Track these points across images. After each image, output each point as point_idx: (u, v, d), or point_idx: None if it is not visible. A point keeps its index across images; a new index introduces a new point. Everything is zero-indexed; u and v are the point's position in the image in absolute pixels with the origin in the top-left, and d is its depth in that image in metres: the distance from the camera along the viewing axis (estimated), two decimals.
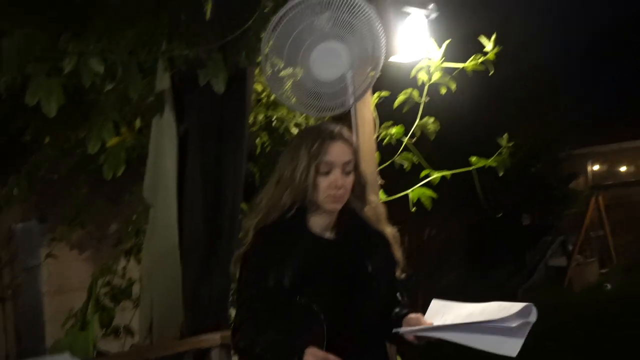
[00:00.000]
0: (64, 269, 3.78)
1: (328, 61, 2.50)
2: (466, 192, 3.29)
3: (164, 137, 2.88)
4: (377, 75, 2.72)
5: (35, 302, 4.62)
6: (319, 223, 1.88)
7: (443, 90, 3.36)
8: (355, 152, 1.90)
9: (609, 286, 9.91)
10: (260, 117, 3.45)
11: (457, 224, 10.45)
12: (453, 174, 3.31)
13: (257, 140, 3.65)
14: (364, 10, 2.49)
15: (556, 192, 11.82)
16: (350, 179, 1.86)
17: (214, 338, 2.81)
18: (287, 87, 2.53)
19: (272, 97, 3.43)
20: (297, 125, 3.50)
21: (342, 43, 2.54)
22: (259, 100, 3.49)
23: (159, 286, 2.89)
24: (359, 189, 1.92)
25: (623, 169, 17.92)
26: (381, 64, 2.67)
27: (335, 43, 2.52)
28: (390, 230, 1.98)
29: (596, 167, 17.86)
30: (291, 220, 1.83)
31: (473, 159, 3.27)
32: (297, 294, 1.72)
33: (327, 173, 1.83)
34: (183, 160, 2.94)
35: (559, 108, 11.97)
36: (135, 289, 3.15)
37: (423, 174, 3.30)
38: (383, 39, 2.58)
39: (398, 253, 1.94)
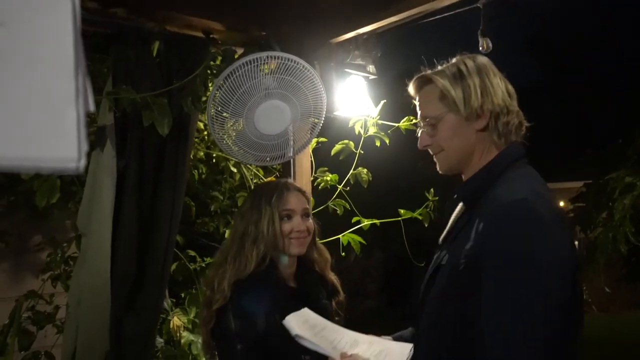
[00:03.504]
0: None
1: (272, 117, 2.63)
2: (394, 235, 3.50)
3: (103, 171, 2.92)
4: (317, 131, 2.89)
5: None
6: (284, 273, 2.02)
7: (377, 143, 3.57)
8: (308, 200, 2.09)
9: None
10: (201, 154, 3.54)
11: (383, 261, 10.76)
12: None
13: (195, 172, 3.73)
14: (307, 73, 2.65)
15: None
16: (310, 223, 2.04)
17: None
18: (230, 137, 2.65)
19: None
20: (235, 164, 3.61)
21: (286, 102, 2.68)
22: (200, 138, 3.59)
23: (86, 315, 2.92)
24: (312, 234, 2.09)
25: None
26: (322, 120, 2.84)
27: (279, 102, 2.66)
28: (334, 277, 2.16)
29: None
30: (266, 272, 1.95)
31: (402, 211, 3.48)
32: (284, 344, 1.82)
33: (290, 218, 1.98)
34: (120, 193, 2.99)
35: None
36: (60, 314, 3.15)
37: (354, 220, 3.48)
38: (324, 98, 2.75)
39: (341, 296, 2.14)
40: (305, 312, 1.84)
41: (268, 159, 2.77)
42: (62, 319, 3.12)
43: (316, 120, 2.85)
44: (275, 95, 2.65)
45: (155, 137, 2.80)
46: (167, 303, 3.26)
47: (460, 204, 1.68)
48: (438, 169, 1.70)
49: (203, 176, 3.79)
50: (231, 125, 2.69)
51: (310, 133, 2.90)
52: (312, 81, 2.69)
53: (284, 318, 1.83)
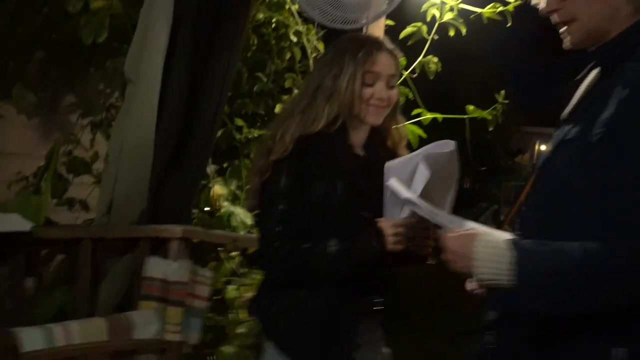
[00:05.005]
0: (10, 132, 3.50)
1: None
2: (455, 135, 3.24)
3: (159, 11, 2.65)
4: (396, 2, 2.59)
5: None
6: (354, 140, 1.80)
7: (452, 32, 3.26)
8: (398, 66, 1.81)
9: None
10: (260, 16, 3.24)
11: None
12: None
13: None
14: None
15: (501, 163, 12.06)
16: (393, 93, 1.78)
17: (175, 230, 2.69)
18: None
19: None
20: (296, 33, 3.32)
21: None
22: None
23: (126, 167, 2.72)
24: (393, 107, 1.84)
25: None
26: None
27: None
28: (406, 153, 1.92)
29: (543, 147, 18.38)
30: (335, 135, 1.74)
31: (470, 107, 3.21)
32: (341, 206, 1.69)
33: (372, 84, 1.73)
34: (174, 41, 2.73)
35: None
36: (98, 165, 2.96)
37: (415, 112, 3.22)
38: None
39: None
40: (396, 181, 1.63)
41: (341, 21, 2.50)
42: (99, 169, 2.93)
43: None
44: None
45: None
46: (209, 170, 3.05)
47: (592, 75, 1.40)
48: (566, 43, 1.40)
49: (249, 53, 3.51)
50: None
51: (389, 3, 2.61)
52: None
53: (344, 184, 1.69)
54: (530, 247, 1.22)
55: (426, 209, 1.47)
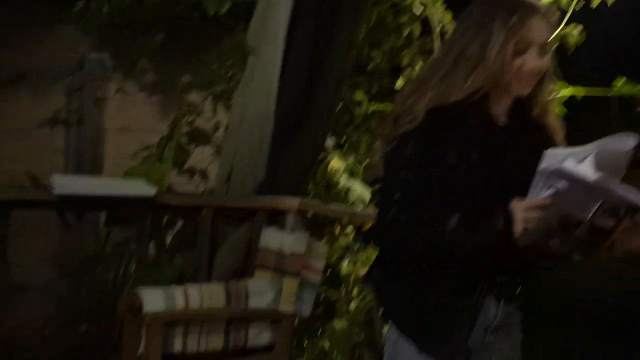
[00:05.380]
0: (131, 109, 3.64)
1: None
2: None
3: None
4: None
5: (98, 133, 4.57)
6: (495, 109, 1.61)
7: (596, 2, 2.96)
8: (553, 30, 1.61)
9: None
10: None
11: None
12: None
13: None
14: None
15: None
16: (545, 61, 1.57)
17: (292, 202, 2.65)
18: None
19: None
20: (421, 3, 3.15)
21: None
22: None
23: (246, 137, 2.72)
24: (545, 73, 1.64)
25: None
26: None
27: None
28: (556, 122, 1.71)
29: None
30: (474, 107, 1.56)
31: (619, 82, 2.86)
32: (472, 179, 1.51)
33: (523, 54, 1.53)
34: (295, 15, 2.68)
35: None
36: (217, 135, 2.99)
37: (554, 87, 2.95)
38: None
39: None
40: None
41: None
42: (219, 140, 2.95)
43: None
44: None
45: None
46: (328, 143, 2.98)
47: None
48: None
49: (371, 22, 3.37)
50: None
51: None
52: None
53: (479, 155, 1.50)
54: None
55: (616, 188, 1.30)
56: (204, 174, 2.90)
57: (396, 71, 3.36)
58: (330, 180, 2.93)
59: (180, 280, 2.27)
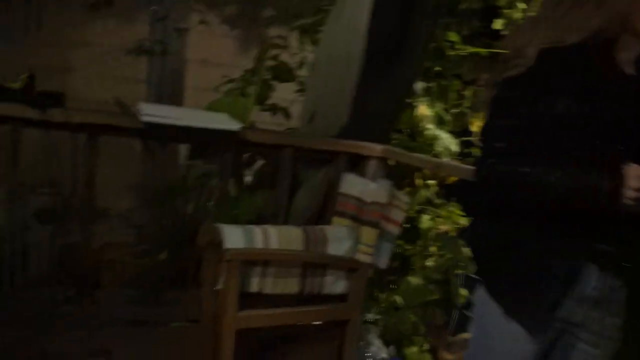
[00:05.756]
0: (212, 42, 3.56)
1: None
2: None
3: None
4: None
5: (180, 64, 4.55)
6: (625, 55, 1.44)
7: None
8: None
9: None
10: None
11: None
12: None
13: None
14: None
15: None
16: None
17: (375, 148, 2.54)
18: None
19: None
20: None
21: None
22: None
23: (332, 76, 2.60)
24: None
25: None
26: None
27: None
28: None
29: None
30: (596, 49, 1.40)
31: None
32: (584, 130, 1.37)
33: None
34: None
35: None
36: (302, 72, 2.88)
37: None
38: None
39: None
40: None
41: None
42: (304, 76, 2.84)
43: None
44: None
45: None
46: (417, 87, 2.82)
47: None
48: None
49: None
50: None
51: None
52: None
53: (598, 106, 1.35)
54: None
55: None
56: (287, 112, 2.82)
57: (491, 13, 3.13)
58: (415, 127, 2.80)
59: (260, 219, 2.23)
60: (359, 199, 2.40)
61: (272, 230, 2.07)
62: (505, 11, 2.88)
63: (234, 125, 2.23)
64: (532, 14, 1.82)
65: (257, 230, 2.03)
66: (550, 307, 1.45)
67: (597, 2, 1.39)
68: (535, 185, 1.38)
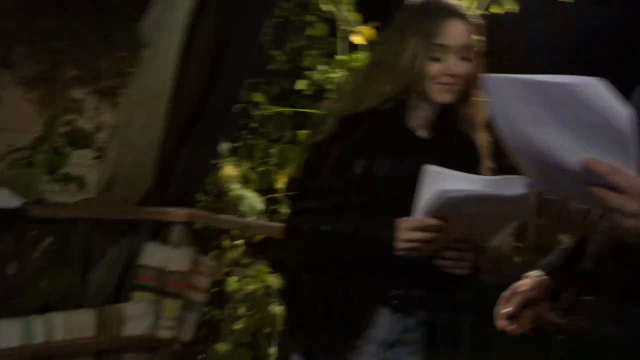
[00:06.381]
0: (7, 105, 3.28)
1: None
2: None
3: None
4: None
5: None
6: (415, 120, 1.57)
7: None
8: (475, 35, 1.54)
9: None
10: None
11: None
12: None
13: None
14: None
15: None
16: (466, 67, 1.51)
17: (179, 213, 2.49)
18: None
19: None
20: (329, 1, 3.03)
21: None
22: None
23: (134, 139, 2.52)
24: (470, 81, 1.57)
25: None
26: None
27: None
28: (483, 138, 1.66)
29: None
30: (388, 113, 1.53)
31: None
32: (381, 187, 1.49)
33: (440, 59, 1.49)
34: (198, 7, 2.50)
35: None
36: (100, 138, 2.75)
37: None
38: None
39: (487, 164, 1.64)
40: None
41: None
42: (102, 141, 2.72)
43: None
44: None
45: None
46: (223, 147, 2.82)
47: None
48: None
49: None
50: None
51: None
52: None
53: (390, 166, 1.48)
54: None
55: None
56: (81, 181, 2.65)
57: (299, 72, 3.25)
58: (222, 188, 2.79)
59: (45, 307, 2.06)
60: (160, 270, 2.33)
61: (57, 319, 1.93)
62: (307, 73, 2.99)
63: (13, 201, 2.07)
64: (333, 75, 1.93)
65: (37, 321, 1.88)
66: (351, 354, 1.51)
67: (387, 72, 1.51)
68: (335, 240, 1.47)
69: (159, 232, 2.48)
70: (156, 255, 2.35)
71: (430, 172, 1.35)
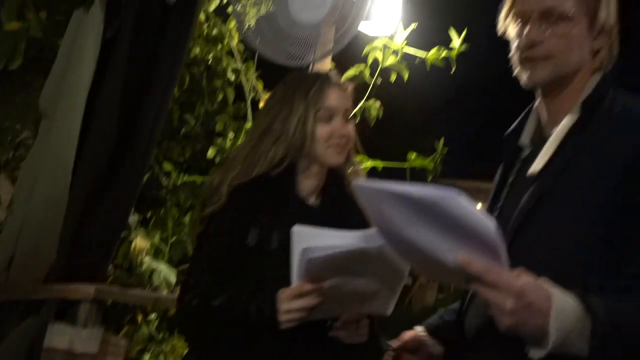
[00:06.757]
0: None
1: (310, 1, 2.20)
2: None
3: (85, 37, 2.38)
4: (346, 39, 2.44)
5: None
6: (305, 186, 1.60)
7: (393, 78, 3.14)
8: (352, 99, 1.64)
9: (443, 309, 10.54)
10: (196, 50, 3.00)
11: None
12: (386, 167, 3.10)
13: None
14: None
15: None
16: (351, 128, 1.59)
17: (87, 290, 2.34)
18: (253, 18, 2.19)
19: (214, 32, 3.03)
20: (234, 70, 3.09)
21: None
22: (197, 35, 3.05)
23: (35, 214, 2.39)
24: (352, 142, 1.65)
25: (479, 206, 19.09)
26: (355, 27, 2.40)
27: None
28: None
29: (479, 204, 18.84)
30: (278, 179, 1.55)
31: (411, 155, 3.06)
32: (273, 258, 1.47)
33: (329, 120, 1.55)
34: (102, 71, 2.45)
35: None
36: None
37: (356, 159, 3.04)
38: None
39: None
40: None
41: (285, 55, 2.33)
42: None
43: (349, 25, 2.38)
44: None
45: (157, 8, 2.29)
46: (131, 219, 2.73)
47: (559, 128, 1.31)
48: (534, 78, 1.33)
49: (183, 87, 3.25)
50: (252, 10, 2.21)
51: (337, 41, 2.45)
52: None
53: (281, 235, 1.46)
54: (606, 310, 1.05)
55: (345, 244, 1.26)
56: None
57: (210, 136, 3.26)
58: (132, 261, 2.68)
59: None
60: (68, 352, 2.17)
61: None
62: (218, 139, 3.01)
63: None
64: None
65: None
66: None
67: (276, 138, 1.55)
68: (224, 316, 1.45)
69: (65, 310, 2.33)
70: (62, 337, 2.20)
71: (297, 233, 1.34)
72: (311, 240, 1.31)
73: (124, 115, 2.46)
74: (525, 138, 1.43)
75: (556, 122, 1.36)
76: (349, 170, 1.68)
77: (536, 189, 1.27)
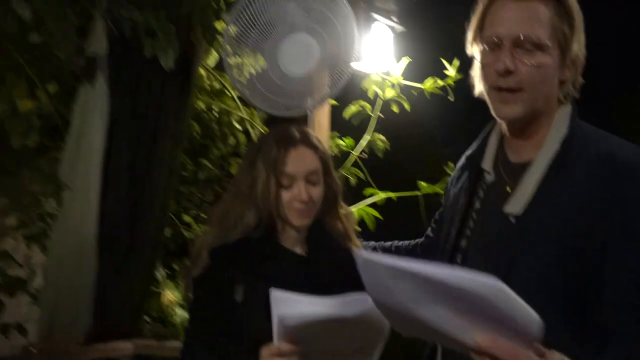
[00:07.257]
0: None
1: (298, 55, 2.29)
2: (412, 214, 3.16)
3: (93, 111, 2.52)
4: (342, 83, 2.52)
5: None
6: (289, 236, 1.65)
7: (395, 109, 3.25)
8: (323, 158, 1.66)
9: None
10: (200, 104, 3.14)
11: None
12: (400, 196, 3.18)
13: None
14: (340, 5, 2.30)
15: None
16: (317, 191, 1.62)
17: (126, 347, 2.48)
18: (245, 76, 2.31)
19: (216, 84, 3.18)
20: (239, 121, 3.24)
21: (314, 37, 2.33)
22: (198, 87, 3.20)
23: (67, 280, 2.51)
24: (330, 199, 1.69)
25: None
26: (349, 70, 2.49)
27: (308, 36, 2.32)
28: (359, 245, 1.78)
29: None
30: (260, 236, 1.61)
31: (422, 184, 3.14)
32: (261, 310, 1.46)
33: (290, 187, 1.59)
34: (111, 140, 2.59)
35: None
36: (36, 281, 2.72)
37: (367, 192, 3.14)
38: (357, 41, 2.39)
39: None
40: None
41: (284, 108, 2.40)
42: (37, 286, 2.69)
43: (342, 69, 2.47)
44: (303, 28, 2.30)
45: (156, 74, 2.43)
46: (159, 274, 2.85)
47: (537, 167, 1.35)
48: (507, 114, 1.36)
49: (194, 140, 3.39)
50: (247, 61, 2.34)
51: (333, 85, 2.54)
52: (346, 17, 2.34)
53: (268, 287, 1.44)
54: None
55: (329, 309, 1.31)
56: (21, 329, 2.60)
57: (229, 178, 3.37)
58: (165, 314, 2.79)
59: None
60: None
61: None
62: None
63: None
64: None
65: None
66: None
67: (246, 202, 1.60)
68: None
69: None
70: None
71: (275, 298, 1.37)
72: (289, 307, 1.34)
73: (137, 177, 2.59)
74: (487, 163, 1.44)
75: (521, 152, 1.37)
76: (335, 223, 1.71)
77: (521, 235, 1.29)
